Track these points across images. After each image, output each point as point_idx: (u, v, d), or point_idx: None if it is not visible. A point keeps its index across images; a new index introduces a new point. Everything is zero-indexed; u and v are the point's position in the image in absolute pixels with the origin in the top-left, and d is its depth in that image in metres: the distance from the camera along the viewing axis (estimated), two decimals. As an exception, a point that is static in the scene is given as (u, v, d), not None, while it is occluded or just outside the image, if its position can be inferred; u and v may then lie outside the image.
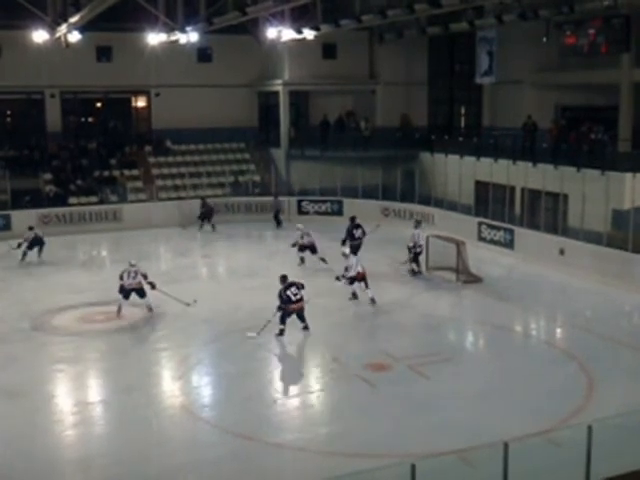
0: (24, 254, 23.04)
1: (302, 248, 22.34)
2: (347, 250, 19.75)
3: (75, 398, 13.52)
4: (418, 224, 22.02)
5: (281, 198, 29.82)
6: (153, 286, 17.80)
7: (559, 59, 26.17)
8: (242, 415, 12.40)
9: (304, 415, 12.85)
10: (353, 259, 18.67)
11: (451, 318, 18.17)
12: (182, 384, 14.01)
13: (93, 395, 13.73)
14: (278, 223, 29.02)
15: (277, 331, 16.02)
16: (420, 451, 10.73)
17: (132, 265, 17.65)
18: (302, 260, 22.41)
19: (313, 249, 22.27)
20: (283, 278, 16.28)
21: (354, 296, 18.58)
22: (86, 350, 15.71)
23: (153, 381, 14.24)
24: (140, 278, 17.59)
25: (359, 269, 18.35)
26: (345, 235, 22.39)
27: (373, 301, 18.33)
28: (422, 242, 21.23)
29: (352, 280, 18.40)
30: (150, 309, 17.81)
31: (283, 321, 16.07)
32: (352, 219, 22.85)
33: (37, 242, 23.31)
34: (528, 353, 15.82)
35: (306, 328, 16.29)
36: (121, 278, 17.54)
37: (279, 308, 15.98)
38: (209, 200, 28.94)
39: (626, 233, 19.83)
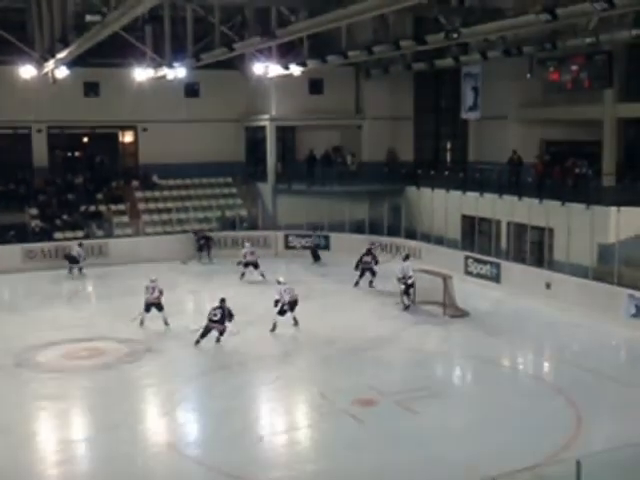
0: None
1: (246, 264, 25.03)
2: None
3: (58, 436, 13.36)
4: (407, 257, 22.21)
5: (318, 233, 29.41)
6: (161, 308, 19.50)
7: (543, 95, 26.48)
8: (228, 452, 12.25)
9: (291, 452, 12.70)
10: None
11: (438, 353, 18.11)
12: (167, 421, 13.86)
13: (77, 433, 13.56)
14: (316, 258, 28.78)
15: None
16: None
17: (152, 281, 19.58)
18: (243, 275, 25.14)
19: (256, 265, 24.96)
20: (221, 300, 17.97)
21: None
22: (70, 387, 15.52)
23: (138, 418, 14.07)
24: (157, 294, 19.42)
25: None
26: (357, 260, 24.27)
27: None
28: (411, 274, 21.26)
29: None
30: (166, 323, 19.34)
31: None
32: (368, 249, 24.49)
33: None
34: (516, 388, 15.76)
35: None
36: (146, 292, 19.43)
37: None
38: (207, 232, 29.19)
39: (612, 267, 19.91)
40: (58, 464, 12.11)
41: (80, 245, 26.73)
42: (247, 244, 25.76)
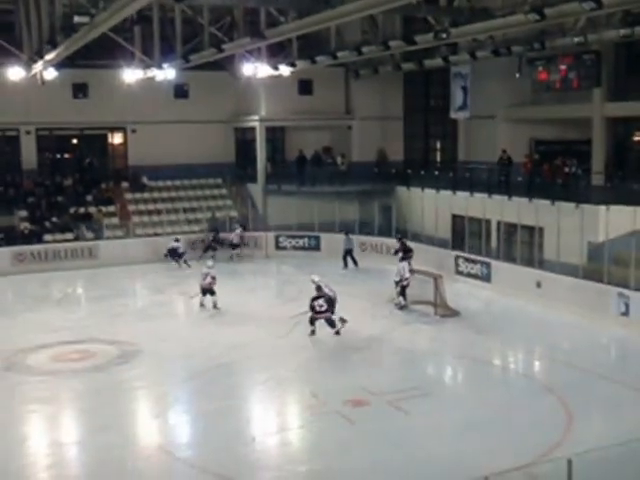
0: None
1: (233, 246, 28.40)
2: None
3: (49, 439, 13.29)
4: (402, 258, 22.14)
5: (350, 236, 28.09)
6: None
7: (532, 94, 26.57)
8: (220, 454, 12.22)
9: (283, 453, 12.69)
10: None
11: (429, 352, 18.12)
12: (159, 423, 13.82)
13: (67, 436, 13.49)
14: (354, 262, 27.51)
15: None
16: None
17: (208, 267, 21.24)
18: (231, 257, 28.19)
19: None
20: (317, 289, 18.49)
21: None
22: (60, 390, 15.45)
23: (129, 420, 14.02)
24: (209, 279, 20.94)
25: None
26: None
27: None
28: (408, 275, 21.25)
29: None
30: (215, 306, 21.03)
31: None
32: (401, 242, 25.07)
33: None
34: (507, 386, 15.80)
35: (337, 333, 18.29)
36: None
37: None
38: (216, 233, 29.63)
39: (601, 265, 19.98)
40: (48, 467, 12.05)
41: (177, 240, 28.13)
42: (238, 229, 28.98)
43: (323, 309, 18.20)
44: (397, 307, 21.25)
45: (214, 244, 29.05)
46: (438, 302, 20.83)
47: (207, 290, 21.10)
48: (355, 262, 27.61)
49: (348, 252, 27.71)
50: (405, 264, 21.71)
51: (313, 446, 12.88)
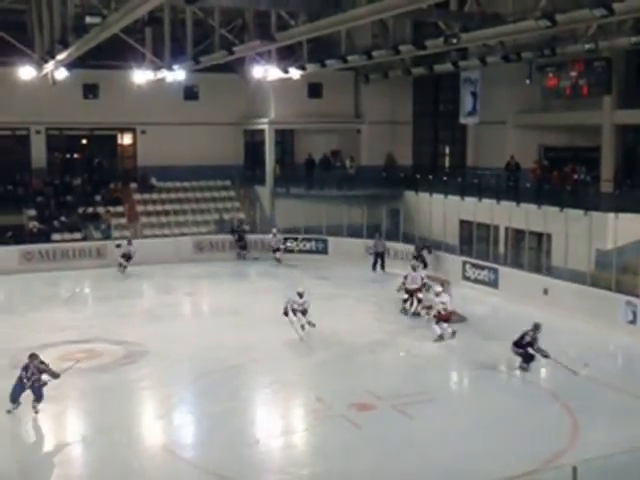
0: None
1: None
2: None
3: (54, 438, 13.31)
4: (414, 267, 21.66)
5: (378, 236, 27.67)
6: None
7: (542, 100, 26.50)
8: (224, 455, 12.22)
9: (287, 455, 12.68)
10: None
11: (435, 357, 18.06)
12: (164, 424, 13.83)
13: (72, 435, 13.52)
14: (381, 266, 27.14)
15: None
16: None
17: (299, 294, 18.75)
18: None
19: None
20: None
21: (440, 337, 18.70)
22: (66, 389, 15.42)
23: (134, 421, 14.03)
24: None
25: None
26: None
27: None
28: (418, 284, 21.00)
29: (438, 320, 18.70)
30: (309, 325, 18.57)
31: None
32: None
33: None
34: (512, 393, 15.75)
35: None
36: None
37: None
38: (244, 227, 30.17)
39: (609, 273, 19.91)
40: (53, 466, 12.09)
41: (130, 243, 27.22)
42: (274, 230, 28.78)
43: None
44: (409, 315, 20.85)
45: (240, 242, 29.55)
46: (445, 307, 20.78)
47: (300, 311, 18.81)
48: (382, 266, 27.13)
49: (381, 255, 27.32)
50: (416, 274, 21.23)
51: (317, 449, 12.87)
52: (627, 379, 16.30)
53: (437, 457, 12.09)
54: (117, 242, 27.42)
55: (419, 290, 20.91)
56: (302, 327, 18.55)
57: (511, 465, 11.21)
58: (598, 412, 14.07)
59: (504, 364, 17.95)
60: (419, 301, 20.87)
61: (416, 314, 20.83)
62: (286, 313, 18.49)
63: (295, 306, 18.54)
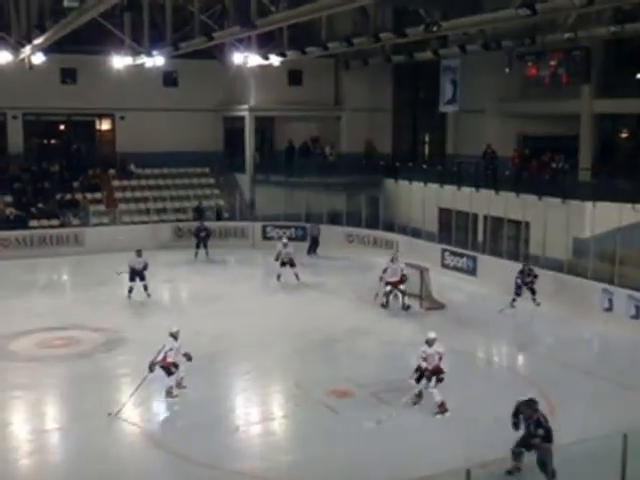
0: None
1: (283, 263, 23.43)
2: None
3: (31, 425, 13.26)
4: (392, 259, 21.20)
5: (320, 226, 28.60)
6: None
7: (521, 89, 26.63)
8: (203, 443, 12.23)
9: (266, 442, 12.71)
10: None
11: (414, 344, 18.04)
12: (142, 411, 13.78)
13: (50, 422, 13.48)
14: (313, 250, 28.24)
15: None
16: (383, 478, 10.66)
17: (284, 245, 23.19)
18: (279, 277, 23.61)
19: (292, 264, 23.45)
20: None
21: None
22: (44, 376, 15.41)
23: (112, 408, 13.98)
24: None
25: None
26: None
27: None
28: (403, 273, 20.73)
29: None
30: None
31: None
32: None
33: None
34: (490, 379, 15.87)
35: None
36: None
37: None
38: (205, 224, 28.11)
39: (586, 261, 20.08)
40: (31, 453, 12.04)
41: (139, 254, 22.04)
42: (284, 239, 24.34)
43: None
44: (402, 308, 20.54)
45: (203, 234, 27.46)
46: (424, 295, 20.88)
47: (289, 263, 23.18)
48: (314, 250, 28.21)
49: (315, 240, 28.33)
50: (397, 265, 20.78)
51: (297, 436, 12.93)
52: (603, 366, 16.48)
53: (415, 443, 12.18)
54: (118, 271, 21.94)
55: (400, 282, 20.64)
56: (296, 276, 22.78)
57: (488, 450, 11.30)
58: (574, 398, 14.23)
59: (482, 351, 18.11)
60: (403, 293, 20.67)
61: (407, 307, 20.55)
62: (278, 260, 22.96)
63: (284, 258, 22.65)
